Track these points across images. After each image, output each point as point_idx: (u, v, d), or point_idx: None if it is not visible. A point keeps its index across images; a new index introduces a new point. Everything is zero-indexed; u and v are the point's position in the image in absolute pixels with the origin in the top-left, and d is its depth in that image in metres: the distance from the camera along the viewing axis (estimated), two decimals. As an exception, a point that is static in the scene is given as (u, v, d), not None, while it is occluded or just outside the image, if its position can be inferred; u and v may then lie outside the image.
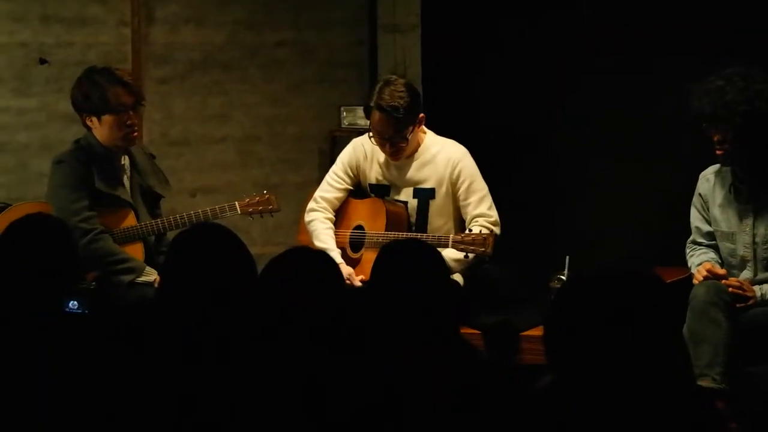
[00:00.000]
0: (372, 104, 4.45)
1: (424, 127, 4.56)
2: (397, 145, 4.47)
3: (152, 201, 4.58)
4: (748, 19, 4.85)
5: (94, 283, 4.33)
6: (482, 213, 4.43)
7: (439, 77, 4.77)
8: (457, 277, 4.44)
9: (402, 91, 4.43)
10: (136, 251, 4.44)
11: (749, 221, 4.10)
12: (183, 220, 4.46)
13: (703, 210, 4.23)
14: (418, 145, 4.54)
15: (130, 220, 4.46)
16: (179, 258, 3.06)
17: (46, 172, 4.58)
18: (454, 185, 4.48)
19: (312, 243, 4.55)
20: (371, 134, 4.51)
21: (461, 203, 4.49)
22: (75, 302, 3.20)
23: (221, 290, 2.94)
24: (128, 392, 2.73)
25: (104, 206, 4.42)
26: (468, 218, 4.45)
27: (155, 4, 5.59)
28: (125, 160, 4.53)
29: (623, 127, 5.22)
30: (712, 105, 3.99)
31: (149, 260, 4.44)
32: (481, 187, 4.49)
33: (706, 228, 4.22)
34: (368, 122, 4.60)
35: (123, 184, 4.49)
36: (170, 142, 5.67)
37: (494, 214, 4.44)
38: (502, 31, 5.53)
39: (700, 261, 4.17)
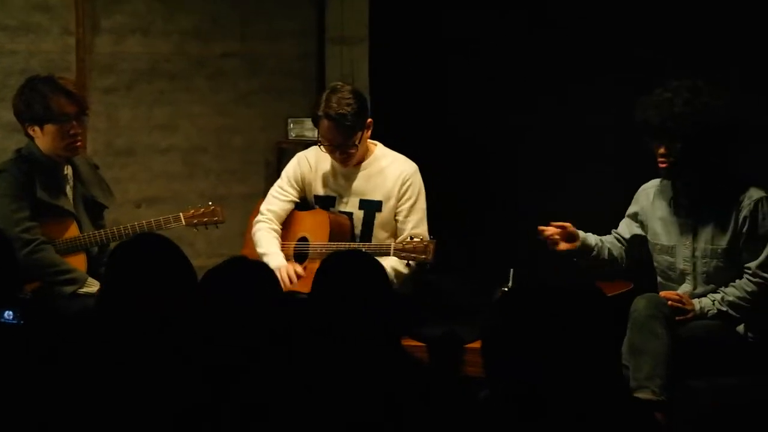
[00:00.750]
0: (320, 113, 4.45)
1: (373, 141, 4.57)
2: (347, 152, 4.47)
3: (95, 212, 4.54)
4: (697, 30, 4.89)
5: (30, 294, 4.29)
6: (418, 234, 4.43)
7: (387, 89, 4.78)
8: (404, 288, 4.44)
9: (349, 98, 4.43)
10: (78, 262, 4.40)
11: (689, 235, 4.14)
12: (126, 231, 4.43)
13: (633, 224, 4.27)
14: (366, 155, 4.54)
15: (73, 231, 4.42)
16: (118, 269, 3.03)
17: (-13, 181, 4.52)
18: (398, 200, 4.49)
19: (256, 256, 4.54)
20: (320, 142, 4.50)
21: (400, 218, 4.50)
22: (10, 312, 3.16)
23: (160, 301, 2.91)
24: (61, 403, 2.70)
25: (46, 216, 4.37)
26: (404, 235, 4.45)
27: (101, 14, 5.55)
28: (68, 170, 4.49)
29: (569, 138, 5.25)
30: (660, 117, 4.00)
31: (92, 271, 4.40)
32: (423, 207, 4.51)
33: (627, 236, 4.29)
34: (315, 133, 4.61)
35: (66, 194, 4.45)
36: (115, 152, 5.63)
37: (427, 237, 4.44)
38: (449, 42, 5.54)
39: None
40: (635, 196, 4.29)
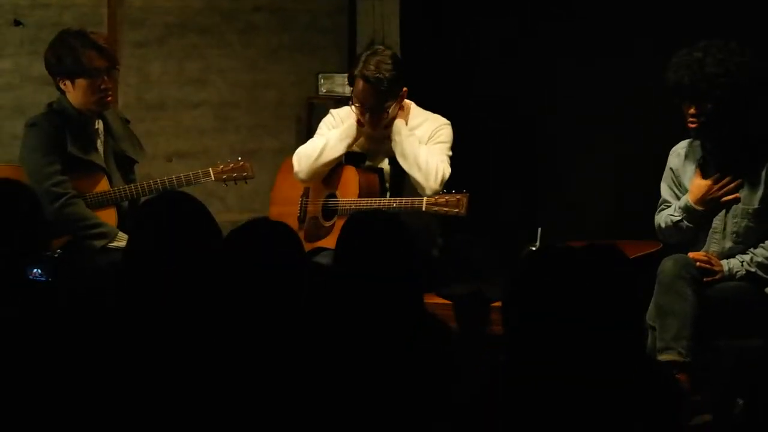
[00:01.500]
0: (357, 73, 4.42)
1: (408, 100, 4.55)
2: (378, 116, 4.45)
3: (126, 166, 4.55)
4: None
5: (59, 251, 4.32)
6: (435, 151, 4.38)
7: (418, 45, 4.75)
8: (432, 247, 4.44)
9: (388, 64, 4.40)
10: (109, 216, 4.42)
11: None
12: (157, 186, 4.44)
13: (674, 184, 4.23)
14: (400, 115, 4.52)
15: (103, 185, 4.44)
16: (142, 226, 3.05)
17: (19, 135, 4.55)
18: (428, 140, 4.46)
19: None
20: (352, 101, 4.48)
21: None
22: (38, 270, 3.19)
23: (186, 259, 2.93)
24: (91, 363, 2.73)
25: (77, 170, 4.40)
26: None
27: (133, -33, 5.55)
28: (99, 125, 4.50)
29: (601, 102, 5.21)
30: (692, 77, 3.98)
31: (122, 225, 4.41)
32: (447, 149, 4.44)
33: (675, 203, 4.23)
34: (346, 89, 4.59)
35: (96, 149, 4.47)
36: (146, 107, 5.63)
37: (446, 165, 4.39)
38: (483, 7, 5.50)
39: (668, 213, 4.16)
40: (668, 159, 4.25)
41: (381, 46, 4.56)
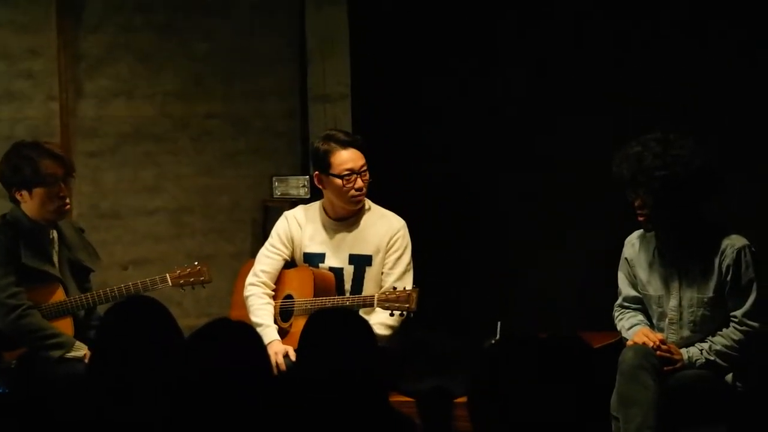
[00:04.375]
0: (332, 145, 4.50)
1: (365, 199, 4.59)
2: (364, 179, 4.48)
3: (82, 275, 4.54)
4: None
5: (14, 362, 4.27)
6: (400, 287, 4.43)
7: (370, 145, 4.80)
8: (392, 343, 4.43)
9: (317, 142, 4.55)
10: (65, 326, 4.39)
11: (675, 284, 4.14)
12: (113, 294, 4.42)
13: (630, 275, 4.27)
14: (356, 212, 4.56)
15: (59, 295, 4.42)
16: (109, 332, 3.03)
17: (-28, 248, 4.51)
18: (386, 252, 4.51)
19: (248, 317, 4.52)
20: (344, 176, 4.48)
21: (385, 270, 4.51)
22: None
23: (152, 364, 2.91)
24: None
25: (32, 281, 4.37)
26: (386, 287, 4.45)
27: (84, 79, 5.57)
28: (54, 234, 4.49)
29: (554, 189, 5.27)
30: (631, 170, 4.03)
31: (79, 335, 4.39)
32: (408, 261, 4.53)
33: (632, 293, 4.26)
34: (302, 192, 4.66)
35: (51, 259, 4.45)
36: (100, 215, 5.63)
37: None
38: (431, 98, 5.59)
39: (630, 324, 4.20)
40: (623, 249, 4.29)
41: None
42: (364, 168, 4.51)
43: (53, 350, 4.29)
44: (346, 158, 4.49)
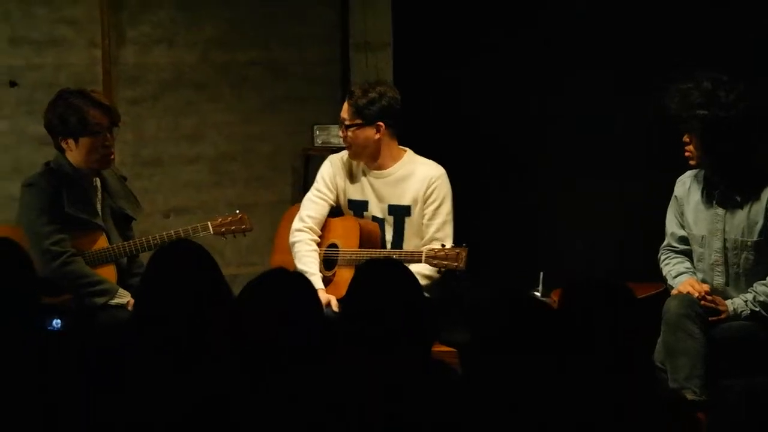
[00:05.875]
0: None
1: (403, 147, 4.57)
2: (343, 131, 4.50)
3: (124, 223, 4.55)
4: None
5: (72, 303, 4.32)
6: (441, 237, 4.42)
7: (413, 95, 4.76)
8: (433, 294, 4.43)
9: (374, 89, 4.51)
10: (108, 273, 4.42)
11: (720, 226, 4.12)
12: (155, 242, 4.44)
13: (678, 214, 4.25)
14: (395, 161, 4.54)
15: (102, 242, 4.44)
16: (157, 275, 3.06)
17: (16, 195, 4.54)
18: (425, 202, 4.48)
19: (292, 263, 4.52)
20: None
21: (425, 221, 4.49)
22: (59, 321, 3.21)
23: (197, 308, 2.93)
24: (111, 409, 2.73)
25: (75, 229, 4.39)
26: (427, 237, 4.44)
27: (126, 25, 5.57)
28: (97, 182, 4.50)
29: (601, 143, 5.22)
30: (676, 106, 4.05)
31: (122, 282, 4.42)
32: (448, 211, 4.49)
33: (680, 232, 4.24)
34: (341, 140, 4.64)
35: (94, 207, 4.47)
36: (142, 163, 5.65)
37: (451, 241, 4.43)
38: (474, 49, 5.53)
39: (678, 272, 4.18)
40: (675, 188, 4.28)
41: (388, 81, 4.62)
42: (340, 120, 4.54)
43: (97, 297, 4.32)
44: None
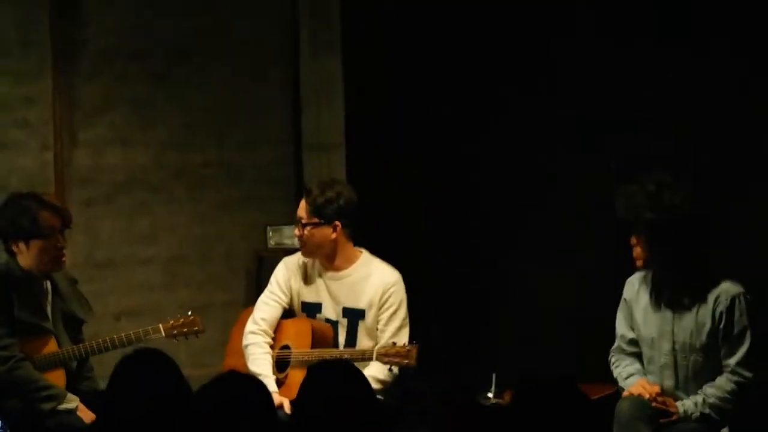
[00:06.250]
0: None
1: (359, 248, 4.58)
2: (299, 230, 4.50)
3: (74, 326, 4.52)
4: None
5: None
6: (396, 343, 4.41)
7: (365, 194, 4.80)
8: (387, 395, 4.41)
9: (331, 188, 4.51)
10: (57, 378, 4.37)
11: (669, 328, 4.14)
12: (106, 345, 4.41)
13: (628, 316, 4.27)
14: (350, 263, 4.55)
15: (52, 346, 4.40)
16: (123, 383, 3.03)
17: (-36, 300, 4.49)
18: (380, 307, 4.48)
19: (245, 365, 4.49)
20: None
21: (380, 326, 4.49)
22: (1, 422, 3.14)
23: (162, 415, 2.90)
24: None
25: (25, 333, 4.36)
26: (382, 342, 4.43)
27: (78, 128, 5.59)
28: (47, 286, 4.47)
29: (555, 241, 5.27)
30: (623, 209, 4.09)
31: (71, 386, 4.37)
32: (403, 316, 4.50)
33: (630, 335, 4.26)
34: (294, 241, 4.66)
35: (44, 311, 4.44)
36: (95, 265, 5.61)
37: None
38: (426, 147, 5.60)
39: (628, 373, 4.19)
40: (624, 289, 4.30)
41: (345, 184, 4.63)
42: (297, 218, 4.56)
43: (45, 402, 4.26)
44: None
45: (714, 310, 4.05)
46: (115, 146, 5.69)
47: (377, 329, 4.49)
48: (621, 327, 4.27)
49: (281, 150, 6.04)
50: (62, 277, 4.55)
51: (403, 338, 4.43)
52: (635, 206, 4.05)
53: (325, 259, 4.56)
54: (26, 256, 4.38)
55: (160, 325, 4.54)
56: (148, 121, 5.76)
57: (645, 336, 4.19)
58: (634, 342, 4.24)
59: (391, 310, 4.48)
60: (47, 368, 4.37)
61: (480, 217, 5.47)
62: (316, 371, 3.07)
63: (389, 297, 4.48)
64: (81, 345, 4.44)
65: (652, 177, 4.09)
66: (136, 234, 5.76)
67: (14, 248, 4.39)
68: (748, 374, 4.02)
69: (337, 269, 4.56)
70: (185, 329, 4.59)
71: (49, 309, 4.46)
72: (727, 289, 4.06)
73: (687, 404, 4.06)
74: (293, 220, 5.33)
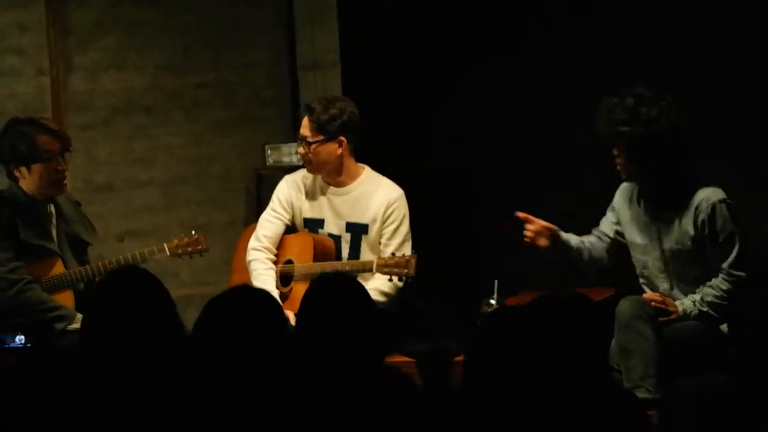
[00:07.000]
0: None
1: (361, 164, 4.62)
2: (303, 148, 4.52)
3: (80, 248, 4.57)
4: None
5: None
6: None
7: (360, 113, 4.83)
8: (390, 308, 4.49)
9: (334, 104, 4.53)
10: (65, 299, 4.42)
11: (656, 236, 4.22)
12: (111, 265, 4.45)
13: (613, 220, 4.36)
14: (353, 179, 4.59)
15: (58, 268, 4.45)
16: (99, 305, 3.06)
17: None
18: (383, 222, 4.54)
19: (251, 282, 4.56)
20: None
21: (383, 241, 4.54)
22: (21, 337, 3.21)
23: (143, 334, 2.94)
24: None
25: (31, 256, 4.40)
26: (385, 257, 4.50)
27: (74, 52, 5.58)
28: (51, 209, 4.52)
29: (549, 150, 5.29)
30: (601, 121, 4.14)
31: (79, 307, 4.41)
32: (406, 231, 4.55)
33: (608, 231, 4.36)
34: (293, 158, 4.69)
35: (49, 233, 4.48)
36: (95, 188, 5.65)
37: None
38: (421, 65, 5.60)
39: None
40: (616, 193, 4.37)
41: (347, 100, 4.64)
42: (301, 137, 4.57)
43: (56, 323, 4.32)
44: None
45: (696, 218, 4.12)
46: (111, 70, 5.69)
47: (380, 244, 4.55)
48: (604, 224, 4.38)
49: (276, 70, 6.04)
50: (65, 200, 4.59)
51: (405, 251, 4.50)
52: (613, 119, 4.09)
53: (330, 176, 4.60)
54: (28, 181, 4.41)
55: (165, 245, 4.59)
56: (142, 45, 5.75)
57: (638, 242, 4.28)
58: (606, 236, 4.35)
59: (394, 225, 4.53)
60: (55, 290, 4.42)
61: (476, 129, 5.49)
62: (317, 284, 3.13)
63: (392, 212, 4.53)
64: (87, 266, 4.49)
65: (633, 91, 4.13)
66: (134, 157, 5.79)
67: (16, 173, 4.42)
68: (741, 274, 4.11)
69: (341, 185, 4.61)
70: (189, 248, 4.65)
71: (54, 232, 4.50)
72: (707, 196, 4.12)
73: (686, 303, 4.15)
74: (290, 139, 5.36)
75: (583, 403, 2.48)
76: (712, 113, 4.68)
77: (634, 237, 4.28)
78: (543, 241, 4.33)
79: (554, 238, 4.33)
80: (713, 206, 4.10)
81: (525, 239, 4.32)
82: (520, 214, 4.32)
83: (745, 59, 4.79)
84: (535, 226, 4.31)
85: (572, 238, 4.38)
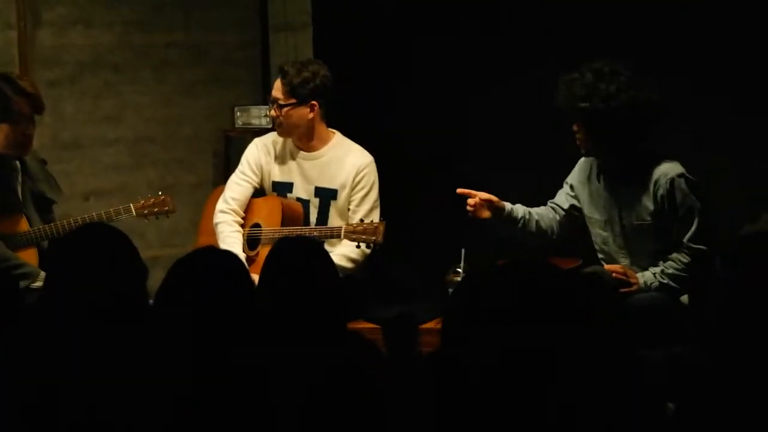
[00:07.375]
0: None
1: (332, 129, 4.61)
2: (274, 111, 4.50)
3: (44, 206, 4.54)
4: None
5: None
6: None
7: (332, 75, 4.80)
8: (357, 274, 4.49)
9: (307, 68, 4.50)
10: (30, 257, 4.40)
11: (616, 210, 4.24)
12: (76, 224, 4.43)
13: (570, 194, 4.37)
14: (324, 144, 4.58)
15: (23, 226, 4.42)
16: (59, 261, 3.03)
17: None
18: (353, 188, 4.53)
19: (217, 244, 4.54)
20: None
21: (351, 207, 4.54)
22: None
23: (106, 290, 2.92)
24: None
25: (-5, 212, 4.37)
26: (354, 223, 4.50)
27: (42, 6, 5.50)
28: (16, 165, 4.47)
29: (519, 120, 5.29)
30: (560, 96, 4.14)
31: (43, 265, 4.39)
32: (375, 198, 4.55)
33: (562, 203, 4.38)
34: (262, 120, 4.66)
35: (14, 190, 4.44)
36: (61, 146, 5.59)
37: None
38: (394, 27, 5.57)
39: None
40: (574, 168, 4.38)
41: (320, 63, 4.61)
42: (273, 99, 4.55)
43: (20, 280, 4.28)
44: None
45: (655, 194, 4.13)
46: (79, 26, 5.61)
47: (348, 210, 4.54)
48: (560, 197, 4.39)
49: (247, 31, 5.99)
50: (31, 157, 4.55)
51: (374, 218, 4.50)
52: (573, 95, 4.08)
53: (300, 140, 4.58)
54: (-6, 138, 4.37)
55: (131, 205, 4.57)
56: (111, 1, 5.68)
57: (597, 218, 4.29)
58: (566, 212, 4.36)
59: (363, 192, 4.53)
60: (19, 247, 4.40)
61: (448, 94, 5.47)
62: (279, 246, 3.13)
63: (362, 178, 4.53)
64: (52, 224, 4.46)
65: (592, 66, 4.11)
66: (102, 115, 5.73)
67: (-18, 128, 4.38)
68: (702, 247, 4.12)
69: (311, 149, 4.59)
70: (156, 209, 4.63)
71: (19, 189, 4.47)
72: (666, 171, 4.12)
73: (646, 275, 4.18)
74: (259, 101, 5.32)
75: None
76: (693, 94, 4.69)
77: (593, 213, 4.29)
78: (485, 213, 4.33)
79: (496, 209, 4.32)
80: (671, 181, 4.11)
81: (468, 212, 4.32)
82: (459, 190, 4.31)
83: (726, 39, 4.79)
84: (474, 199, 4.31)
85: (519, 209, 4.37)
